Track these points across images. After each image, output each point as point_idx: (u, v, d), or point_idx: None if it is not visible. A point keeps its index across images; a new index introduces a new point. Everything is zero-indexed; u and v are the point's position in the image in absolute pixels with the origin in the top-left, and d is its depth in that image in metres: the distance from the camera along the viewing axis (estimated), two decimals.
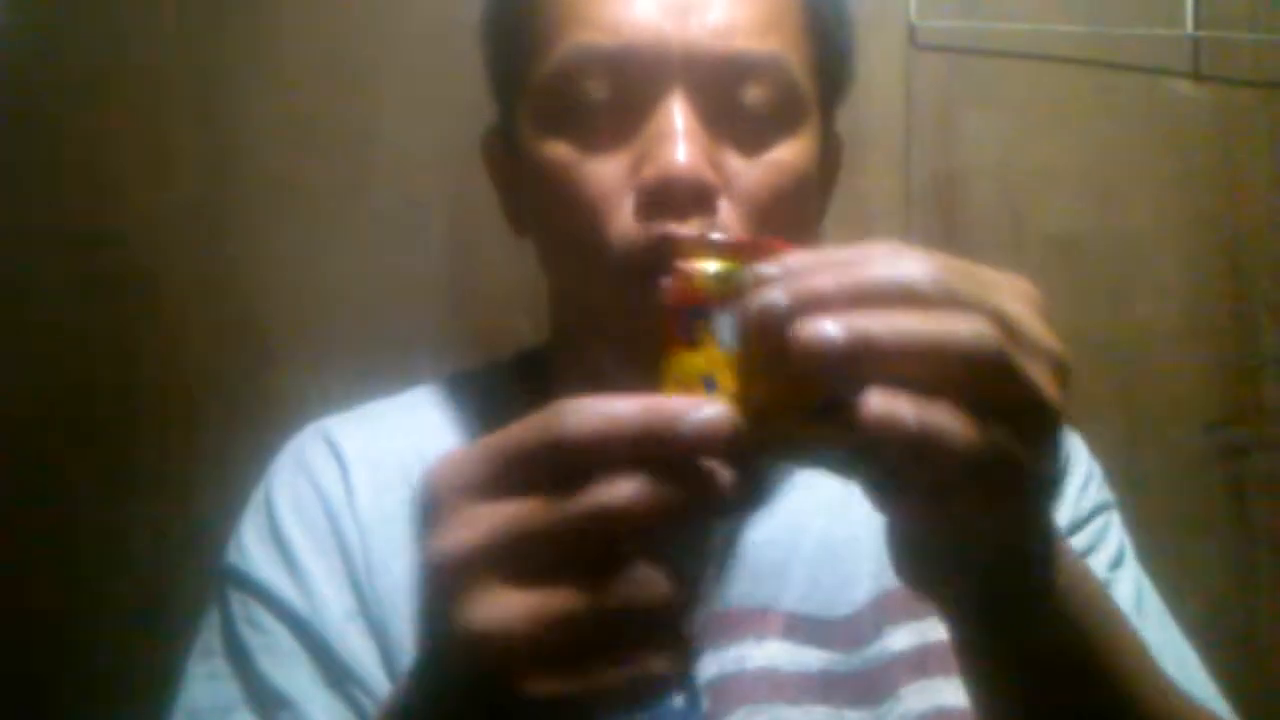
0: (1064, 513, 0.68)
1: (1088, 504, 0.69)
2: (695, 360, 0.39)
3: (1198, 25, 1.03)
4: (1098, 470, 0.72)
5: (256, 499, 0.66)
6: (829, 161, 0.68)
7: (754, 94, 0.59)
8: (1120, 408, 1.02)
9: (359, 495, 0.64)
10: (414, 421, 0.68)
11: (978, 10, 1.02)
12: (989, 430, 0.36)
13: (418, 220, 0.98)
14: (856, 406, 0.35)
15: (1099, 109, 1.04)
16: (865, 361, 0.35)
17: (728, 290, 0.39)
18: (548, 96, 0.60)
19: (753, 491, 0.38)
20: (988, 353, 0.36)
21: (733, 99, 0.59)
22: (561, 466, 0.37)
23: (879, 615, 0.63)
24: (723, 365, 0.39)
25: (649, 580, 0.36)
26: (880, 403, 0.35)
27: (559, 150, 0.59)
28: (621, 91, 0.58)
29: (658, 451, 0.36)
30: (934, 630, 0.61)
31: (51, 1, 0.96)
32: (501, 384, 0.71)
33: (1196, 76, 1.04)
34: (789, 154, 0.60)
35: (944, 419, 0.35)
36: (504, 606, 0.36)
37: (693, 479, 0.36)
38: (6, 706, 0.92)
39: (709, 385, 0.39)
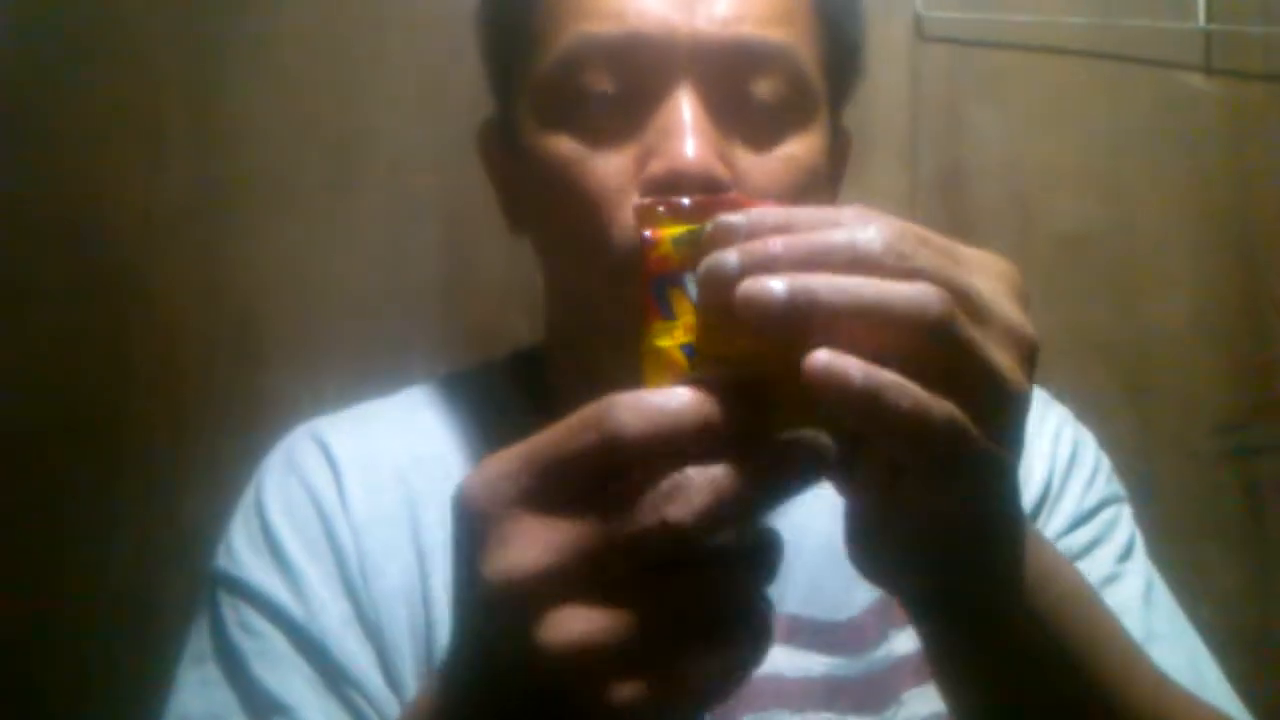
0: (1069, 506, 0.67)
1: (1094, 497, 0.68)
2: (675, 330, 0.38)
3: (1209, 18, 1.02)
4: (1106, 463, 0.71)
5: (246, 501, 0.65)
6: (837, 156, 0.67)
7: (764, 87, 0.58)
8: (1131, 408, 1.01)
9: (351, 497, 0.63)
10: (407, 422, 0.68)
11: (986, 1, 1.01)
12: (940, 401, 0.35)
13: (413, 218, 0.97)
14: (806, 362, 0.35)
15: (1109, 103, 1.03)
16: (812, 321, 0.35)
17: (696, 254, 0.38)
18: (549, 89, 0.59)
19: (823, 459, 0.37)
20: (930, 320, 0.35)
21: (742, 92, 0.58)
22: (616, 469, 0.36)
23: (883, 618, 0.62)
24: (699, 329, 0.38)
25: (724, 574, 0.36)
26: (824, 356, 0.34)
27: (561, 145, 0.58)
28: (627, 84, 0.57)
29: (717, 445, 0.35)
30: None
31: (47, 1, 0.96)
32: (497, 384, 0.70)
33: (1208, 70, 1.03)
34: (800, 149, 0.59)
35: (890, 379, 0.34)
36: (583, 623, 0.35)
37: (777, 463, 0.36)
38: None
39: (690, 354, 0.38)
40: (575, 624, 0.35)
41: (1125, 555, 0.67)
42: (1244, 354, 1.03)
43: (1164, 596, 0.66)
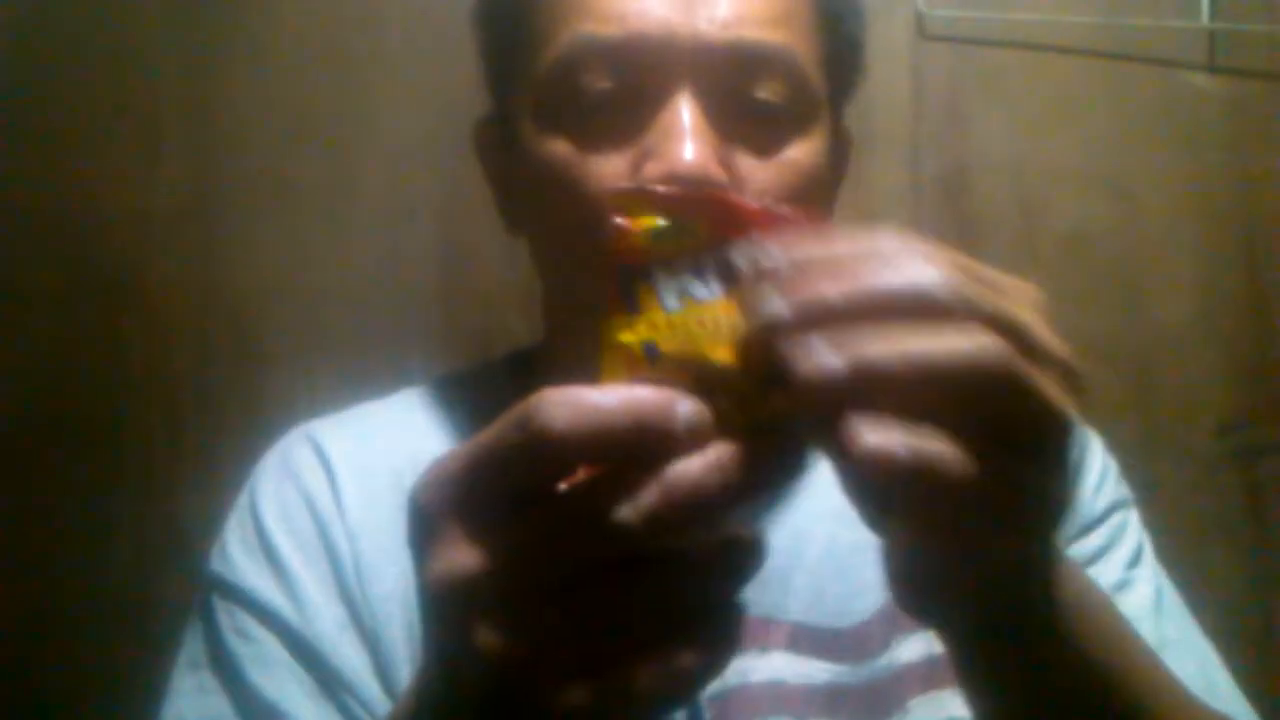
0: (1078, 511, 0.66)
1: (1103, 502, 0.67)
2: (637, 326, 0.36)
3: (1214, 17, 1.01)
4: (1113, 467, 0.71)
5: (241, 505, 0.65)
6: (839, 157, 0.66)
7: (765, 90, 0.57)
8: (1133, 409, 1.00)
9: (347, 500, 0.62)
10: (403, 423, 0.67)
11: (988, 0, 1.01)
12: (993, 453, 0.33)
13: (410, 218, 0.97)
14: (843, 434, 0.32)
15: (1112, 102, 1.02)
16: (864, 383, 0.33)
17: (671, 249, 0.36)
18: (548, 90, 0.59)
19: (778, 465, 0.35)
20: (1000, 375, 0.33)
21: (743, 95, 0.57)
22: (548, 466, 0.34)
23: (888, 625, 0.61)
24: (666, 330, 0.36)
25: (679, 578, 0.34)
26: (874, 437, 0.32)
27: (559, 146, 0.58)
28: (626, 86, 0.56)
29: (650, 447, 0.34)
30: None
31: (47, 1, 0.96)
32: (494, 385, 0.69)
33: (1211, 69, 1.03)
34: (802, 153, 0.59)
35: (941, 449, 0.32)
36: (521, 625, 0.34)
37: (735, 468, 0.34)
38: None
39: (651, 352, 0.36)
40: (515, 627, 0.34)
41: (1135, 561, 0.66)
42: (1247, 354, 1.02)
43: (1174, 602, 0.66)
